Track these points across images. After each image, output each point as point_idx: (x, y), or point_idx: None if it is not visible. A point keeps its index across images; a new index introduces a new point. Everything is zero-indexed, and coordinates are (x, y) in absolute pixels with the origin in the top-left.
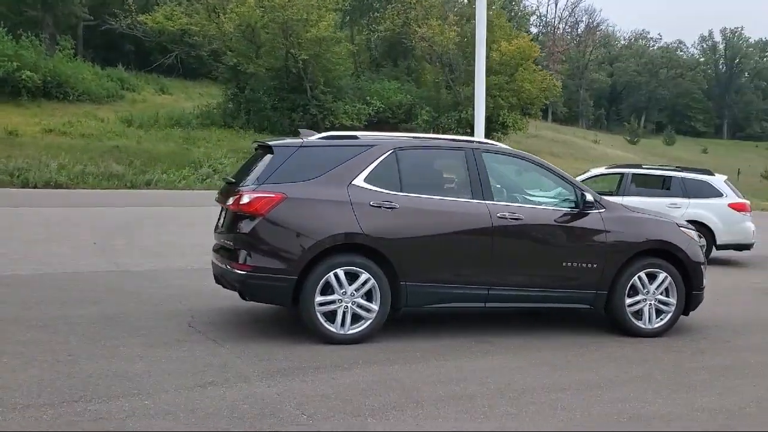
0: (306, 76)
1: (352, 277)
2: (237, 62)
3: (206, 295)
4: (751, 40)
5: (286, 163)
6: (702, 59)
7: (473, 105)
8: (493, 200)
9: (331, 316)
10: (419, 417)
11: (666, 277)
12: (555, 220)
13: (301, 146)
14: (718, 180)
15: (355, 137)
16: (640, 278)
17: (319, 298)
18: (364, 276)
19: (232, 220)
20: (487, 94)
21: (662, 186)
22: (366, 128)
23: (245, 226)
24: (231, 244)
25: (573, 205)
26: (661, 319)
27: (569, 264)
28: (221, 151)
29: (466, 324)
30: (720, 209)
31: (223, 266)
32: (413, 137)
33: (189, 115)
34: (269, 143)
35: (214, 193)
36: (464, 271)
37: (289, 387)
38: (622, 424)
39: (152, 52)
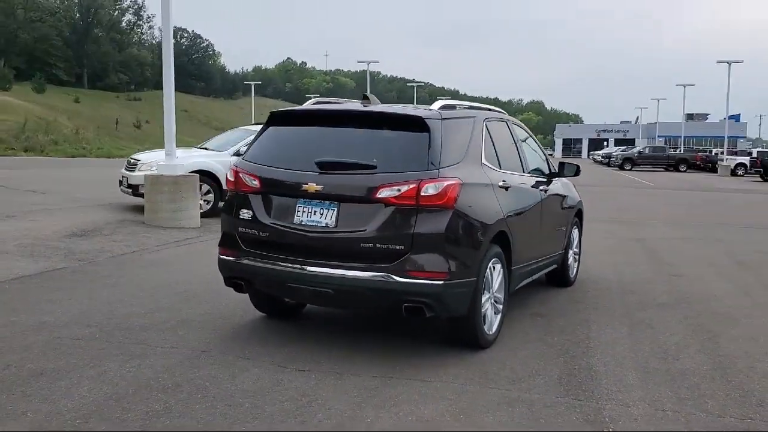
0: None
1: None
2: None
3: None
4: None
5: (442, 143)
6: (60, 6)
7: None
8: (531, 173)
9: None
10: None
11: (579, 232)
12: (551, 190)
13: (442, 119)
14: None
15: (455, 107)
16: (572, 235)
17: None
18: (499, 266)
19: (398, 216)
20: None
21: None
22: None
23: (434, 224)
24: (401, 247)
25: (547, 174)
26: (576, 269)
27: (559, 229)
28: None
29: None
30: None
31: (379, 277)
32: (474, 106)
33: None
34: (419, 115)
35: None
36: (533, 247)
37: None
38: None
39: None
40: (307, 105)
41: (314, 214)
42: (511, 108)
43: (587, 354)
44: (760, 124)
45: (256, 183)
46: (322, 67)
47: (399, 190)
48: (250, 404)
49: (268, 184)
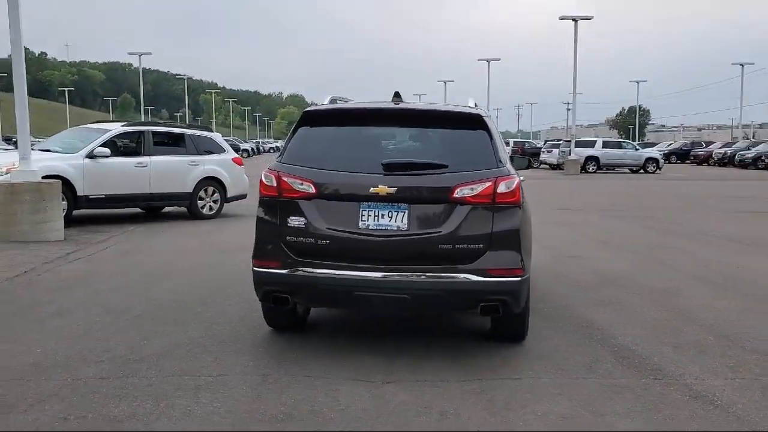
0: None
1: None
2: None
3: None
4: None
5: (498, 140)
6: None
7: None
8: None
9: None
10: None
11: None
12: None
13: (488, 116)
14: (218, 136)
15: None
16: None
17: None
18: None
19: (475, 215)
20: None
21: (177, 144)
22: None
23: (509, 221)
24: (480, 246)
25: None
26: None
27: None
28: None
29: None
30: (227, 164)
31: (459, 278)
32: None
33: None
34: (477, 113)
35: None
36: None
37: None
38: None
39: None
40: (326, 104)
41: (382, 217)
42: (272, 101)
43: (609, 336)
44: (497, 117)
45: (308, 187)
46: (64, 58)
47: (474, 189)
48: (393, 425)
49: (325, 188)
